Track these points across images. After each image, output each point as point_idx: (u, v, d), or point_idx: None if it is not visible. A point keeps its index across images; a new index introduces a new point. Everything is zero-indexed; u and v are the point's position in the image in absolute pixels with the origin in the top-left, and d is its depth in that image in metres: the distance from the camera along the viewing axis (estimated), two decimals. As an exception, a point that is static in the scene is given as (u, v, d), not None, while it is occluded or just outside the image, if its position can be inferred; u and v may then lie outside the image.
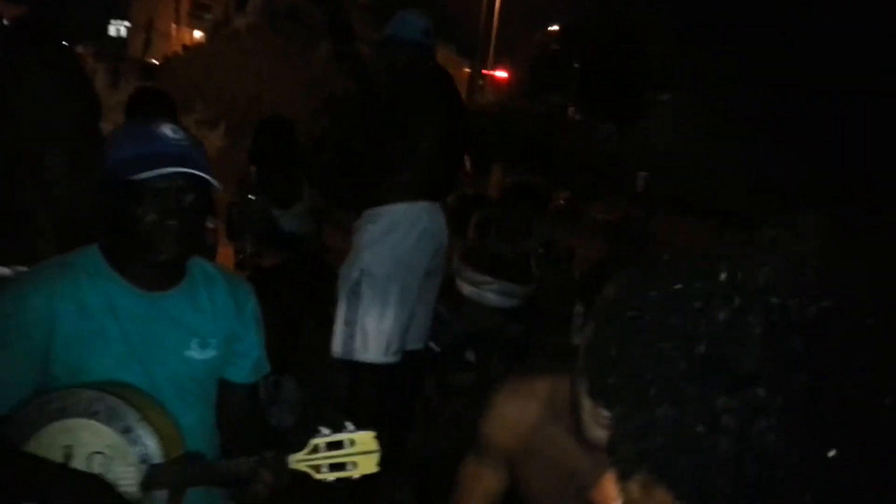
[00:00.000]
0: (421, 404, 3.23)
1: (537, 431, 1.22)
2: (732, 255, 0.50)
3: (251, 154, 3.46)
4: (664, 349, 0.49)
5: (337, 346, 2.60)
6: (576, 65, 25.76)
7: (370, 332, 2.55)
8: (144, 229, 1.29)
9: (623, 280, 0.59)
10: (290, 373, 3.28)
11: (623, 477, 0.54)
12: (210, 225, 2.85)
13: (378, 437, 1.28)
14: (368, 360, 2.57)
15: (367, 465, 1.26)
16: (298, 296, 3.41)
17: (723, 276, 0.49)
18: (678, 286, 0.51)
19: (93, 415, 1.22)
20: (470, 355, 3.18)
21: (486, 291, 3.25)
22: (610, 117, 24.82)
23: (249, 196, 3.07)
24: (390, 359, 2.60)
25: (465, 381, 3.18)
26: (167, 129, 1.33)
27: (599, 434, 0.99)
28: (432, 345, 3.09)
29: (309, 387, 3.32)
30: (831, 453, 0.43)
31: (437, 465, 2.47)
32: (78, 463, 1.22)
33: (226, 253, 3.24)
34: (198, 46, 14.56)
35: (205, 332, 1.42)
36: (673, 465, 0.49)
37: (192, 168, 1.29)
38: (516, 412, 1.25)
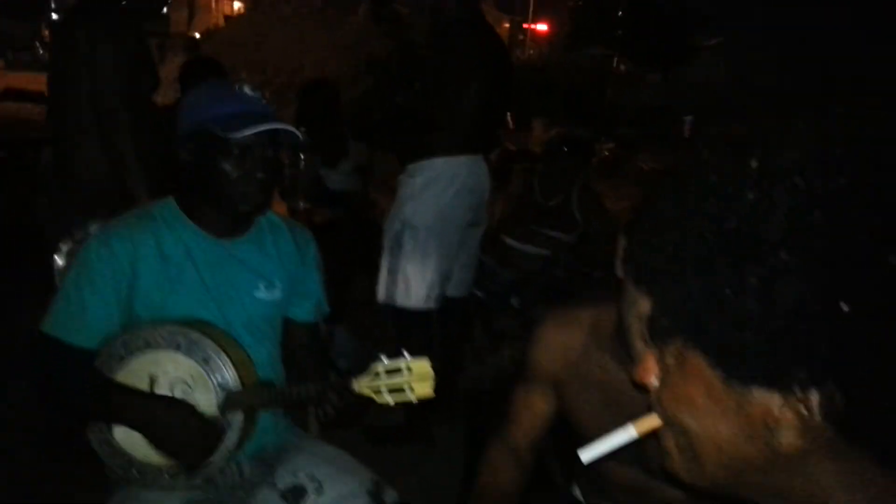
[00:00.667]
0: (470, 350, 3.33)
1: (583, 358, 1.28)
2: (764, 143, 0.54)
3: (297, 116, 3.58)
4: (699, 229, 0.54)
5: (381, 293, 2.72)
6: (619, 13, 25.00)
7: (412, 280, 2.65)
8: (234, 182, 1.42)
9: (666, 181, 0.64)
10: (342, 324, 3.43)
11: (660, 348, 0.60)
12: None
13: (432, 354, 1.38)
14: (410, 307, 2.68)
15: (423, 389, 1.37)
16: (348, 251, 3.54)
17: (753, 163, 0.53)
18: (713, 177, 0.55)
19: (176, 347, 1.36)
20: (515, 301, 3.26)
21: (529, 242, 3.33)
22: (656, 66, 24.12)
23: (300, 156, 3.18)
24: (431, 305, 2.71)
25: (511, 327, 3.27)
26: (248, 90, 1.46)
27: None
28: (477, 292, 3.19)
29: (360, 336, 3.47)
30: (845, 308, 0.48)
31: (485, 401, 2.59)
32: (162, 390, 1.37)
33: (280, 211, 3.37)
34: (238, 17, 14.69)
35: (271, 275, 1.55)
36: (705, 329, 0.53)
37: (278, 125, 1.40)
38: (562, 340, 1.31)
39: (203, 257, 1.47)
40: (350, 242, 3.57)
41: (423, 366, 1.36)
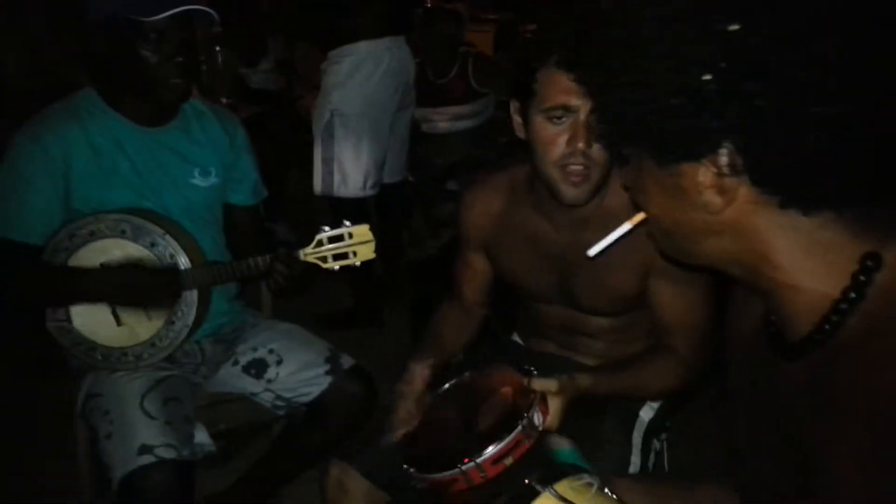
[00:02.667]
0: (409, 235, 3.44)
1: (504, 215, 1.41)
2: None
3: (211, 7, 3.41)
4: (624, 39, 0.66)
5: (317, 185, 2.75)
6: None
7: (347, 167, 2.68)
8: (154, 68, 1.39)
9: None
10: (282, 221, 3.46)
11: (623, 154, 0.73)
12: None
13: (371, 229, 1.47)
14: (349, 196, 2.72)
15: (366, 252, 1.46)
16: (277, 148, 3.51)
17: None
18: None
19: (121, 233, 1.39)
20: (452, 185, 3.35)
21: (437, 122, 3.41)
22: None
23: (216, 48, 3.08)
24: (368, 192, 2.76)
25: (449, 210, 3.37)
26: None
27: (567, 190, 1.21)
28: (411, 179, 3.27)
29: (300, 232, 3.52)
30: (707, 77, 0.59)
31: (428, 278, 2.71)
32: None
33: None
34: None
35: (204, 162, 1.57)
36: (635, 127, 0.66)
37: (193, 6, 1.38)
38: (482, 204, 1.43)
39: (133, 147, 1.48)
40: (278, 139, 3.54)
41: (363, 230, 1.44)
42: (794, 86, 0.58)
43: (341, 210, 2.72)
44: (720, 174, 0.63)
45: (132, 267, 1.39)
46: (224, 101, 3.07)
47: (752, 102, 0.59)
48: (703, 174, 0.64)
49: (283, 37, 3.67)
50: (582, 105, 1.16)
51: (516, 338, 1.62)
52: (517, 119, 1.27)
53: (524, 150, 1.29)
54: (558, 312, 1.43)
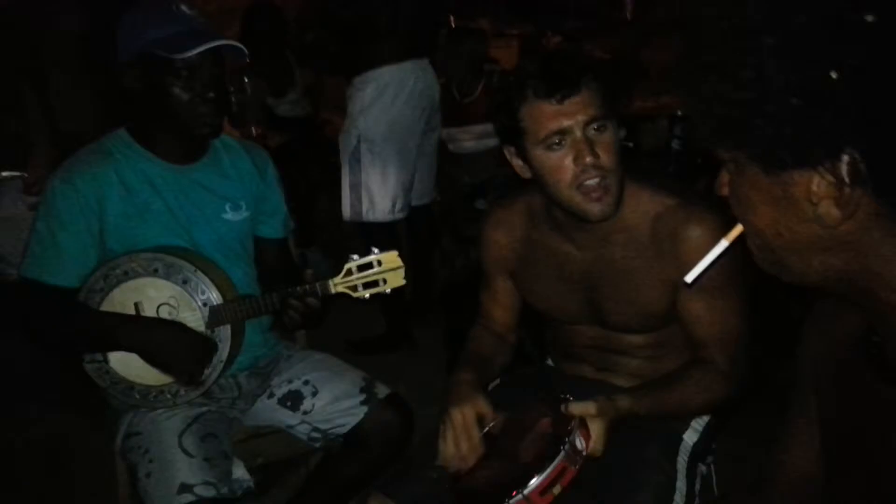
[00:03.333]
0: (440, 255, 3.43)
1: (526, 240, 1.40)
2: None
3: (241, 41, 3.47)
4: (705, 48, 0.60)
5: (346, 211, 2.75)
6: None
7: (375, 192, 2.69)
8: (186, 105, 1.41)
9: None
10: (313, 246, 3.48)
11: (724, 160, 0.66)
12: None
13: (401, 255, 1.46)
14: (377, 220, 2.72)
15: (396, 279, 1.45)
16: (307, 175, 3.55)
17: None
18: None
19: (154, 272, 1.40)
20: (481, 204, 3.34)
21: (464, 141, 3.39)
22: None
23: (244, 79, 3.13)
24: (397, 216, 2.76)
25: (478, 230, 3.35)
26: (185, 7, 1.43)
27: (591, 207, 1.20)
28: (439, 199, 3.26)
29: (332, 257, 3.54)
30: (834, 76, 0.53)
31: (461, 300, 2.69)
32: (148, 314, 1.42)
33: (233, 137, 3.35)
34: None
35: (235, 196, 1.58)
36: (733, 132, 0.60)
37: (224, 41, 1.41)
38: (504, 231, 1.43)
39: (166, 185, 1.50)
40: (307, 166, 3.57)
41: (391, 256, 1.44)
42: None
43: (371, 235, 2.72)
44: (840, 183, 0.56)
45: (169, 324, 1.40)
46: (255, 130, 3.11)
47: (884, 104, 0.52)
48: (819, 184, 0.57)
49: (309, 68, 3.71)
50: (574, 123, 1.17)
51: (549, 362, 1.59)
52: (517, 162, 1.27)
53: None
54: (589, 332, 1.40)
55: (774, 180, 0.60)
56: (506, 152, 1.30)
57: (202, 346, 1.41)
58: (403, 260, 1.45)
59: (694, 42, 0.62)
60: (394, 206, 2.72)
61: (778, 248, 0.64)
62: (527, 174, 1.27)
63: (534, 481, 0.98)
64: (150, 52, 1.38)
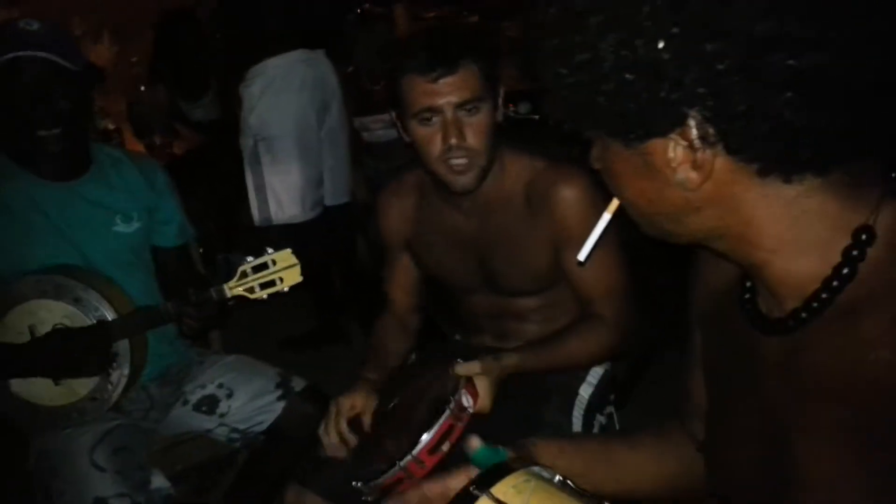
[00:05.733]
0: (368, 248, 3.42)
1: (418, 213, 1.46)
2: None
3: (156, 50, 3.42)
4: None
5: (255, 215, 2.64)
6: None
7: (280, 192, 2.58)
8: (15, 122, 1.40)
9: None
10: (235, 250, 3.45)
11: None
12: (111, 126, 2.90)
13: (295, 254, 1.48)
14: (287, 221, 2.60)
15: (292, 277, 1.47)
16: (224, 177, 3.50)
17: None
18: None
19: (42, 294, 1.40)
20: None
21: (376, 130, 3.38)
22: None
23: (141, 88, 3.08)
24: (309, 214, 2.64)
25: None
26: (24, 23, 1.40)
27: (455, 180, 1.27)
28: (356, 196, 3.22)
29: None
30: (661, 45, 0.53)
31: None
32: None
33: (137, 149, 3.27)
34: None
35: (125, 208, 1.58)
36: (594, 110, 0.59)
37: (43, 52, 1.37)
38: (397, 207, 1.48)
39: (49, 203, 1.48)
40: (225, 169, 3.53)
41: (286, 255, 1.46)
42: (757, 41, 0.52)
43: (288, 236, 2.57)
44: (692, 147, 0.58)
45: (58, 334, 1.38)
46: (157, 140, 3.05)
47: (712, 66, 0.53)
48: (674, 149, 0.59)
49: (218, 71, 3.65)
50: (446, 104, 1.21)
51: (457, 337, 1.65)
52: (399, 125, 1.32)
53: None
54: (485, 300, 1.46)
55: (634, 152, 0.62)
56: (392, 115, 1.34)
57: (96, 337, 1.40)
58: (319, 258, 1.47)
59: (531, 30, 0.64)
60: (303, 204, 2.61)
61: (653, 216, 0.67)
62: (406, 138, 1.32)
63: (423, 438, 1.02)
64: None
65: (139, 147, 2.97)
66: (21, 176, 1.48)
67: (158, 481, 1.48)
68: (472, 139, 1.24)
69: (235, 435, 1.64)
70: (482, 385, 1.16)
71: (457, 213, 1.40)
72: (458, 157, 1.24)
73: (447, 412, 1.05)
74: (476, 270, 1.42)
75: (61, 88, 1.41)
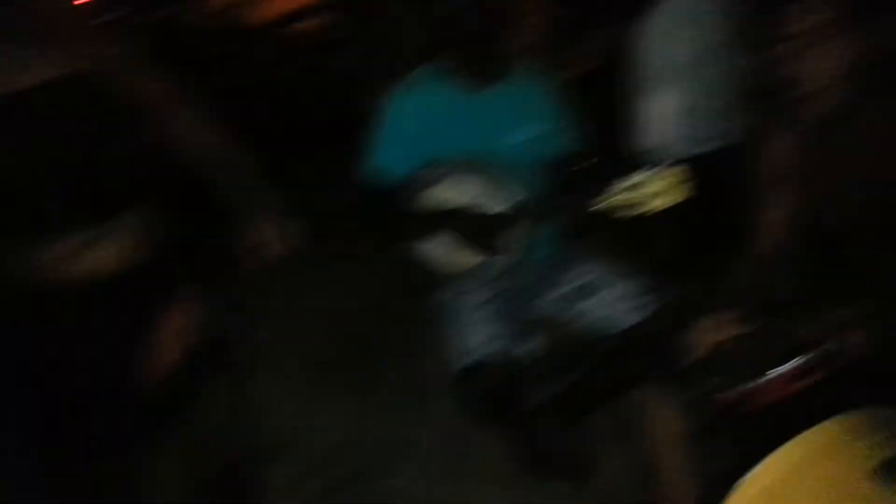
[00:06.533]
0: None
1: None
2: None
3: None
4: None
5: (641, 143, 2.60)
6: None
7: (666, 122, 2.51)
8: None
9: None
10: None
11: None
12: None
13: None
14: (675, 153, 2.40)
15: (677, 195, 1.52)
16: (612, 103, 3.57)
17: None
18: None
19: (455, 181, 1.73)
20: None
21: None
22: None
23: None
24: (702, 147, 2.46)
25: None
26: None
27: None
28: None
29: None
30: None
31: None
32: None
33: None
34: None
35: (526, 115, 1.85)
36: None
37: None
38: None
39: (462, 110, 1.82)
40: (613, 96, 3.59)
41: (672, 173, 1.52)
42: None
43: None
44: None
45: (466, 212, 1.67)
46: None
47: None
48: None
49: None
50: None
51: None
52: None
53: None
54: None
55: None
56: None
57: (494, 219, 1.67)
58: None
59: None
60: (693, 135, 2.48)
61: None
62: None
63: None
64: None
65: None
66: (441, 84, 1.80)
67: (532, 343, 1.75)
68: None
69: (596, 329, 1.80)
70: None
71: None
72: None
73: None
74: None
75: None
